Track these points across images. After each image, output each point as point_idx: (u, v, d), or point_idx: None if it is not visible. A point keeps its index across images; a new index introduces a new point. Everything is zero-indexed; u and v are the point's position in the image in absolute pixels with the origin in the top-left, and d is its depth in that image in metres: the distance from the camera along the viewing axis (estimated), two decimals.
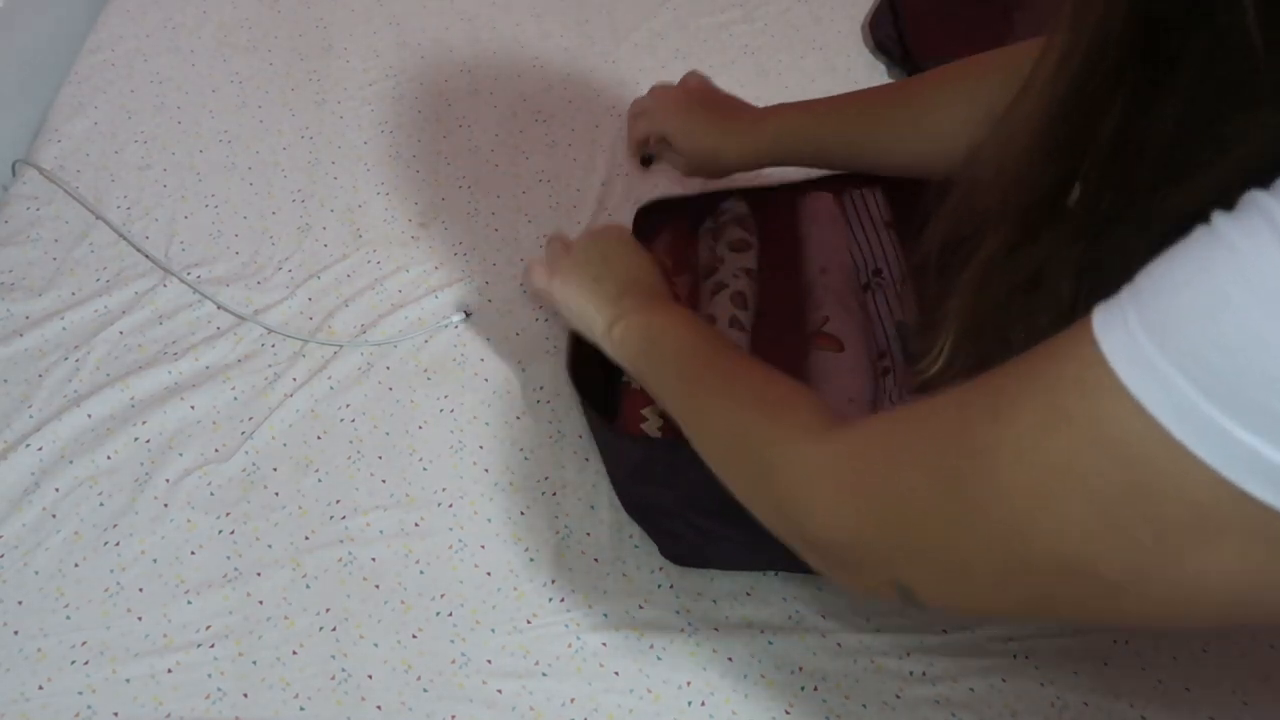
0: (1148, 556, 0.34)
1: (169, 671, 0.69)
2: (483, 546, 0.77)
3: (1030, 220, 0.44)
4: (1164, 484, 0.33)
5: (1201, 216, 0.33)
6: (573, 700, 0.70)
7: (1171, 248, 0.33)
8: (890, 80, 1.17)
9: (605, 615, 0.74)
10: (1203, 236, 0.32)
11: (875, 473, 0.46)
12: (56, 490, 0.77)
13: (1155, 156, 0.38)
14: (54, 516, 0.76)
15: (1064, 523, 0.36)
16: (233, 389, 0.84)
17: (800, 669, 0.72)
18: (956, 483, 0.40)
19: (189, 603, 0.72)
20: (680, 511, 0.73)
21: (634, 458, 0.75)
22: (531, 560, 0.76)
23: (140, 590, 0.73)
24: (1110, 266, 0.36)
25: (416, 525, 0.78)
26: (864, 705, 0.71)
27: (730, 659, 0.72)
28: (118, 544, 0.75)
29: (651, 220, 0.92)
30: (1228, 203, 0.32)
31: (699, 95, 0.89)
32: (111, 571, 0.73)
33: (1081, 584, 0.37)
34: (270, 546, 0.76)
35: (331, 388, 0.85)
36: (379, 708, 0.69)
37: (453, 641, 0.72)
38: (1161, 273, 0.33)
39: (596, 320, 0.74)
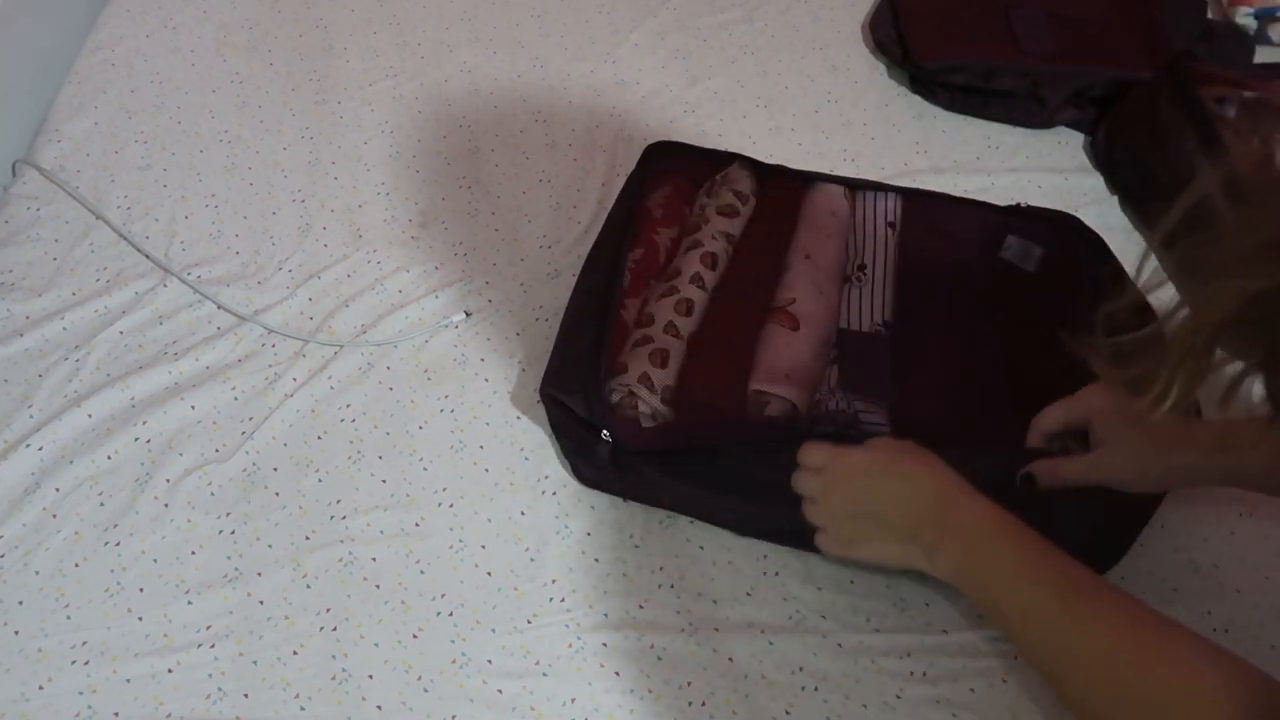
0: None
1: (169, 671, 0.69)
2: (483, 546, 0.77)
3: None
4: None
5: None
6: (573, 700, 0.70)
7: None
8: (890, 80, 1.17)
9: (605, 615, 0.74)
10: None
11: None
12: (57, 490, 0.77)
13: None
14: (54, 516, 0.76)
15: None
16: (233, 389, 0.84)
17: (800, 669, 0.72)
18: None
19: (189, 603, 0.72)
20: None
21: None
22: (531, 560, 0.76)
23: (140, 590, 0.73)
24: None
25: (417, 525, 0.78)
26: (864, 705, 0.71)
27: (730, 659, 0.72)
28: (118, 544, 0.75)
29: (657, 162, 0.91)
30: None
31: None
32: (112, 571, 0.73)
33: None
34: (270, 546, 0.76)
35: (332, 388, 0.85)
36: (379, 708, 0.69)
37: (453, 641, 0.72)
38: None
39: (913, 556, 0.67)
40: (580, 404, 0.75)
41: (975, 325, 0.85)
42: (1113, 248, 0.88)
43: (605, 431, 0.74)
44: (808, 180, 0.93)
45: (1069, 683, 0.57)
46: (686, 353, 0.80)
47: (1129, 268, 0.87)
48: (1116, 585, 0.62)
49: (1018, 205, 0.92)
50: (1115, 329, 0.49)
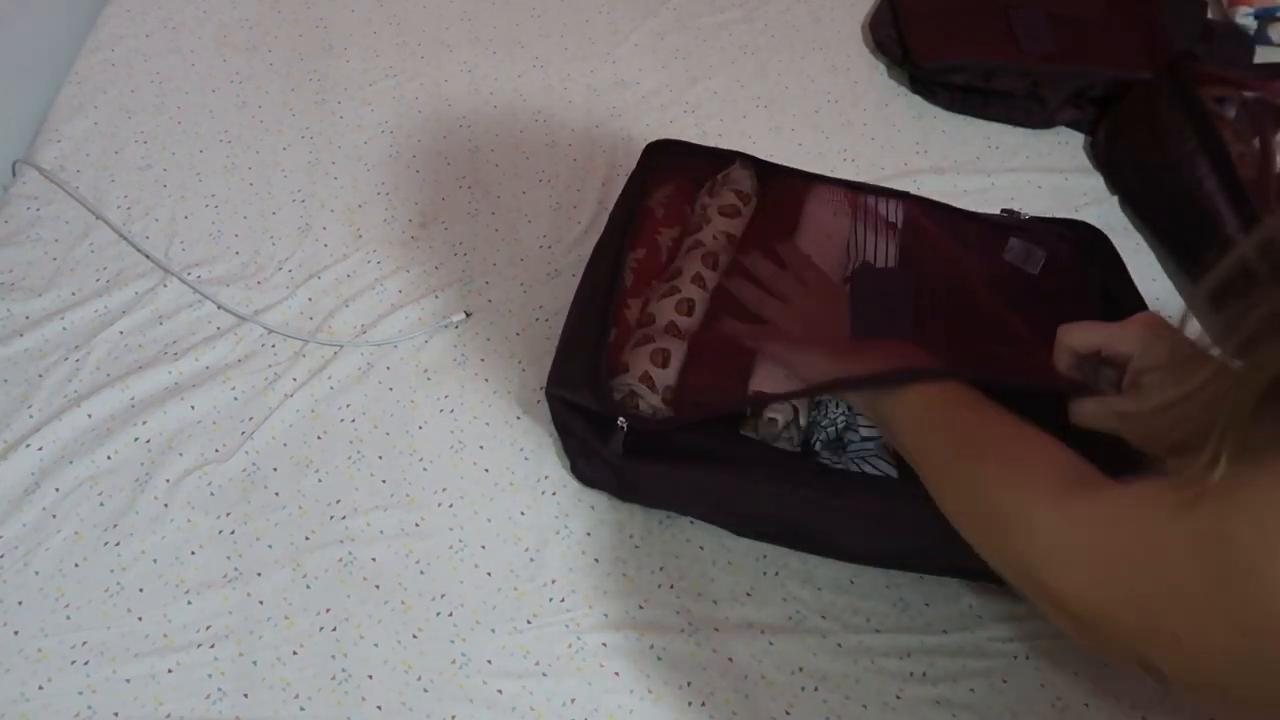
0: None
1: (169, 671, 0.69)
2: (483, 546, 0.77)
3: None
4: None
5: None
6: (573, 700, 0.70)
7: None
8: (890, 80, 1.17)
9: (605, 615, 0.74)
10: None
11: (1131, 555, 0.46)
12: (56, 490, 0.77)
13: None
14: (54, 516, 0.76)
15: None
16: (233, 389, 0.84)
17: (800, 669, 0.72)
18: (1217, 564, 0.40)
19: (189, 603, 0.72)
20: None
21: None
22: (531, 560, 0.76)
23: (140, 590, 0.73)
24: None
25: (417, 525, 0.78)
26: (864, 706, 0.71)
27: (730, 659, 0.72)
28: (118, 544, 0.75)
29: (657, 161, 0.91)
30: None
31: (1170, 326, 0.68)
32: (111, 571, 0.73)
33: None
34: (270, 546, 0.76)
35: (331, 388, 0.85)
36: (379, 708, 0.69)
37: (453, 641, 0.72)
38: None
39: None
40: (588, 398, 0.75)
41: (976, 325, 0.84)
42: None
43: (621, 420, 0.74)
44: (809, 180, 0.92)
45: (944, 498, 0.62)
46: (687, 353, 0.80)
47: (1130, 268, 0.87)
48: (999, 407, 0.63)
49: (1019, 218, 0.91)
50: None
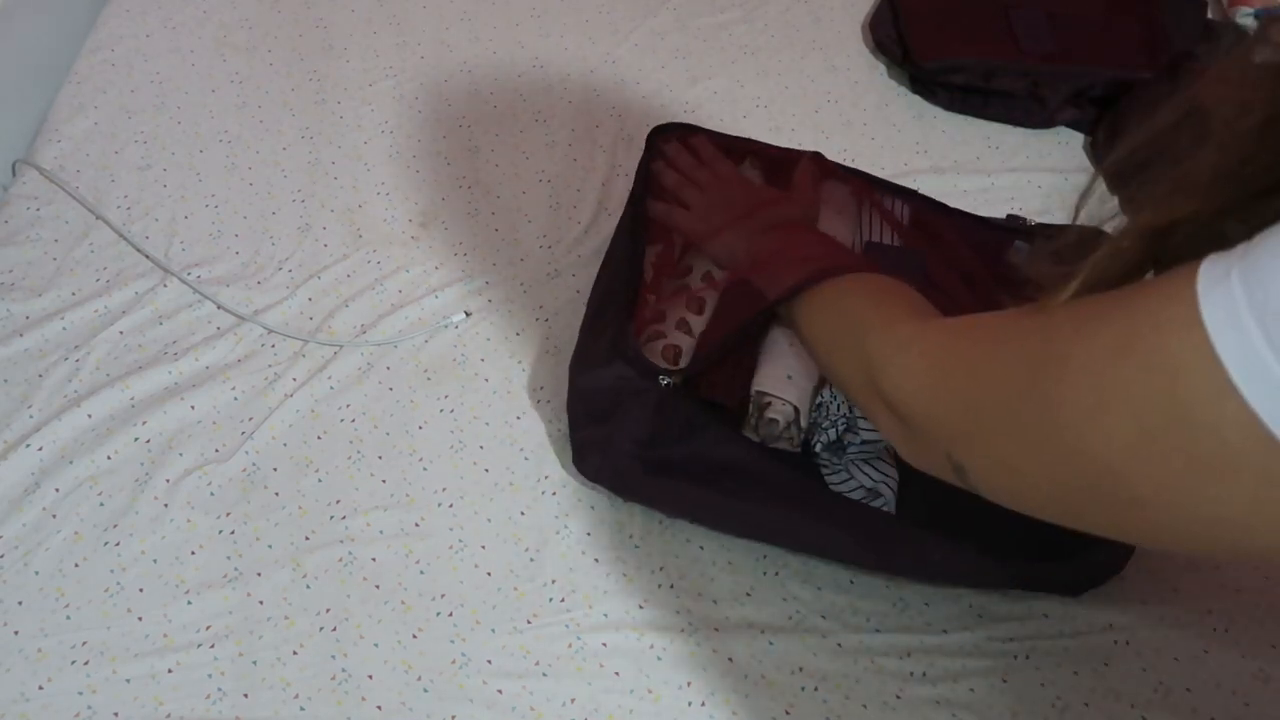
0: (1175, 479, 0.38)
1: (169, 671, 0.69)
2: (483, 546, 0.77)
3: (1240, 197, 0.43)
4: (1205, 417, 0.36)
5: None
6: (573, 700, 0.70)
7: None
8: (890, 80, 1.17)
9: (605, 615, 0.74)
10: None
11: (959, 356, 0.51)
12: (56, 490, 0.77)
13: None
14: (54, 516, 0.76)
15: (1110, 436, 0.40)
16: (233, 389, 0.84)
17: (800, 669, 0.72)
18: (1028, 383, 0.44)
19: (189, 603, 0.72)
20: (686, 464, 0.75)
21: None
22: (531, 560, 0.76)
23: (140, 590, 0.73)
24: None
25: (416, 525, 0.78)
26: (864, 706, 0.71)
27: (730, 659, 0.72)
28: (118, 544, 0.75)
29: (661, 147, 0.90)
30: None
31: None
32: (111, 571, 0.73)
33: (1114, 494, 0.41)
34: (270, 546, 0.76)
35: (331, 388, 0.85)
36: (379, 708, 0.69)
37: (453, 641, 0.72)
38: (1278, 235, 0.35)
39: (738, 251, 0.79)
40: (620, 365, 0.75)
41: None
42: None
43: (663, 376, 0.74)
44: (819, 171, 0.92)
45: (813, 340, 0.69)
46: (695, 350, 0.80)
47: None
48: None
49: (1022, 222, 0.91)
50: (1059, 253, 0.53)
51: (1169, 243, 0.44)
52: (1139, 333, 0.39)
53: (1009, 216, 0.92)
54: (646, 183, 0.87)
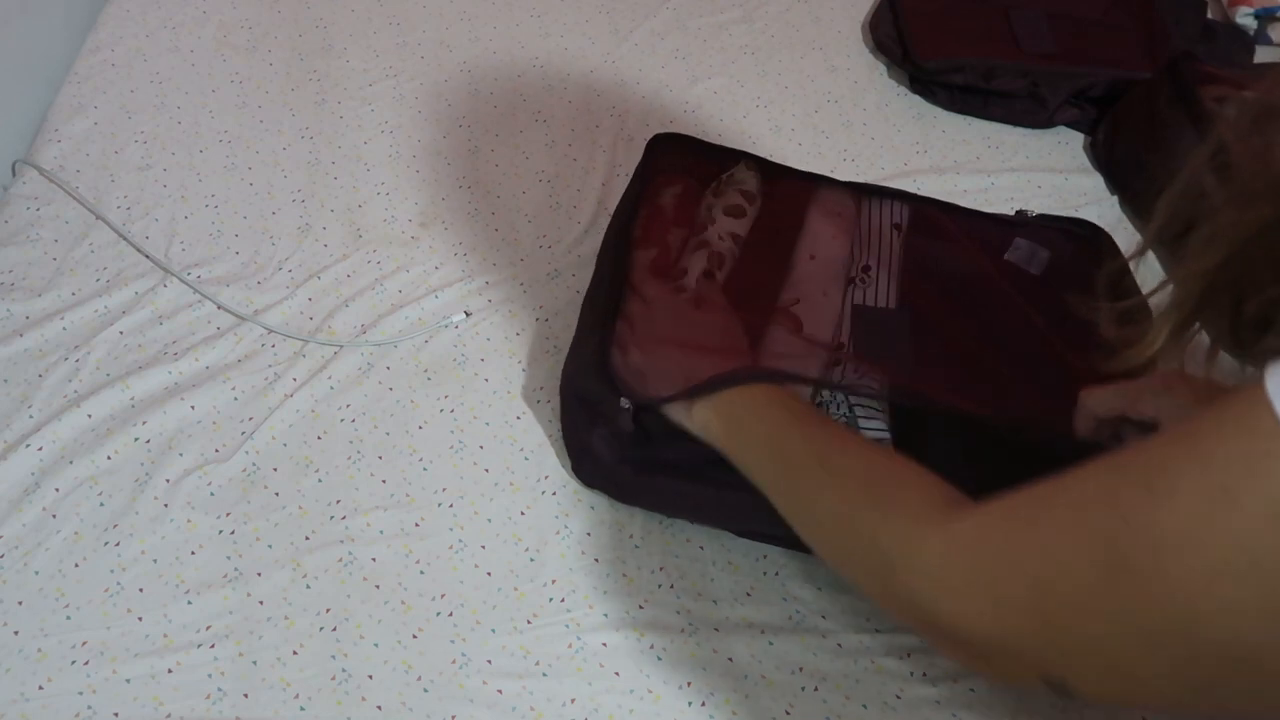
0: None
1: (169, 671, 0.69)
2: (483, 546, 0.77)
3: None
4: None
5: None
6: (573, 700, 0.70)
7: None
8: (890, 80, 1.17)
9: (605, 615, 0.74)
10: None
11: (1014, 556, 0.43)
12: (56, 490, 0.77)
13: None
14: (54, 516, 0.76)
15: (1236, 608, 0.35)
16: (233, 389, 0.84)
17: (800, 669, 0.72)
18: (1115, 572, 0.38)
19: (189, 603, 0.72)
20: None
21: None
22: (531, 560, 0.76)
23: (140, 590, 0.73)
24: None
25: (416, 525, 0.78)
26: (864, 706, 0.71)
27: (730, 659, 0.72)
28: (118, 544, 0.75)
29: (662, 153, 0.91)
30: None
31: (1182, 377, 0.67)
32: (111, 571, 0.73)
33: (1253, 675, 0.36)
34: (270, 546, 0.76)
35: (331, 388, 0.85)
36: (379, 708, 0.69)
37: (453, 641, 0.72)
38: None
39: (674, 408, 0.70)
40: (593, 382, 0.75)
41: (978, 326, 0.84)
42: None
43: (624, 399, 0.73)
44: (815, 181, 0.92)
45: (812, 537, 0.59)
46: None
47: (1132, 267, 0.87)
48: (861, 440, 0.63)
49: (1026, 216, 0.91)
50: (1120, 295, 0.48)
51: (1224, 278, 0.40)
52: (1233, 479, 0.34)
53: (1017, 213, 0.92)
54: (639, 198, 0.87)
